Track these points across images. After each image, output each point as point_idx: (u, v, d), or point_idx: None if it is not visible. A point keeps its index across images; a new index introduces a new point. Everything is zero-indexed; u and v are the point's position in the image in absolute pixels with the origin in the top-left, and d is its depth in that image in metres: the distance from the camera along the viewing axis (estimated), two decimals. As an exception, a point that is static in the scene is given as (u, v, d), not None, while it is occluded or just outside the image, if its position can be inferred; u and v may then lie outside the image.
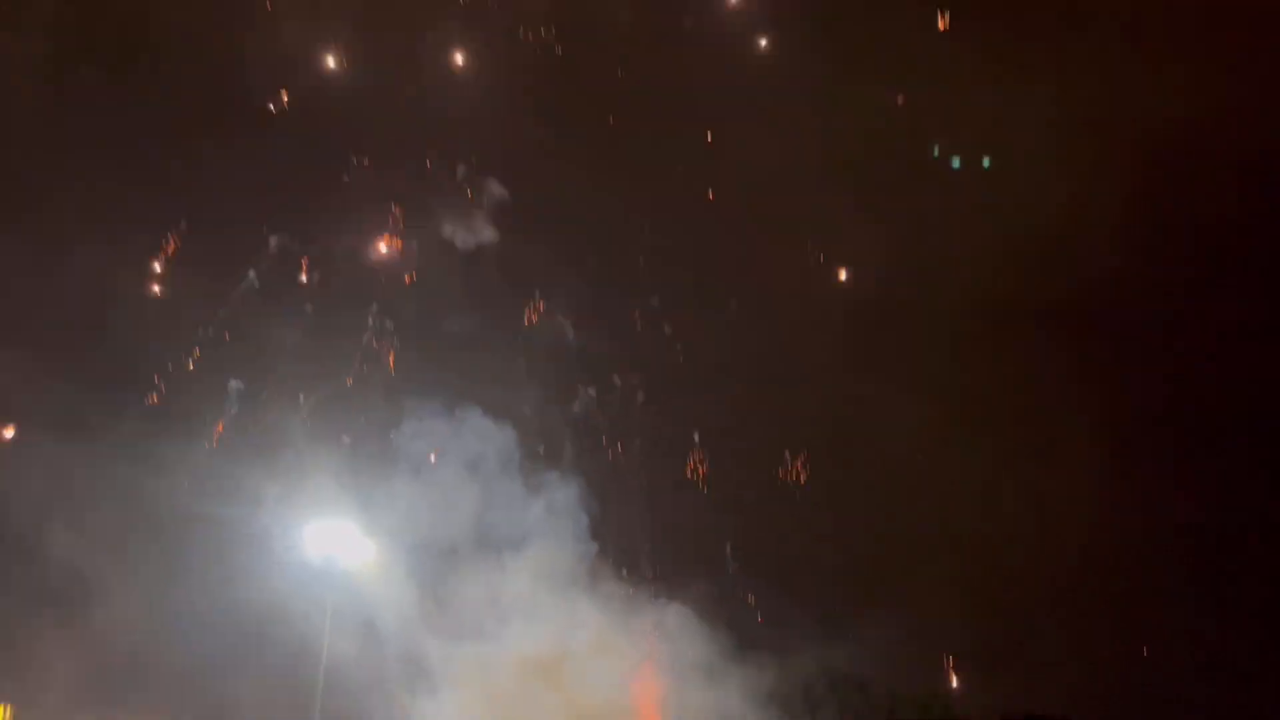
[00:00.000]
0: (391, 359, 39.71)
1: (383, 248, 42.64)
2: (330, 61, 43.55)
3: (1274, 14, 42.58)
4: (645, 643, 26.45)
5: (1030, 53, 43.76)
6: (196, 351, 43.84)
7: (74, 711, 51.64)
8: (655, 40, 45.64)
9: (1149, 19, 43.88)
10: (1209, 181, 43.75)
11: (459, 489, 29.88)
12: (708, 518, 37.76)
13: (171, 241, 44.73)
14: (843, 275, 45.02)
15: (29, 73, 41.78)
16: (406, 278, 42.36)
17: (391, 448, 33.30)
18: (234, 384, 42.15)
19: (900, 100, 44.99)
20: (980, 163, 44.14)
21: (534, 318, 40.89)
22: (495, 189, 41.02)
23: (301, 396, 39.89)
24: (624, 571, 32.68)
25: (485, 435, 30.79)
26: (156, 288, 45.31)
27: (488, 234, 40.30)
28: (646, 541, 35.39)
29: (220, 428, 42.04)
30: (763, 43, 45.86)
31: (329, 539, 32.04)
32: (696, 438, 40.61)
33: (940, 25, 43.96)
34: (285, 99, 43.80)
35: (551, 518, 29.84)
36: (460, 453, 30.30)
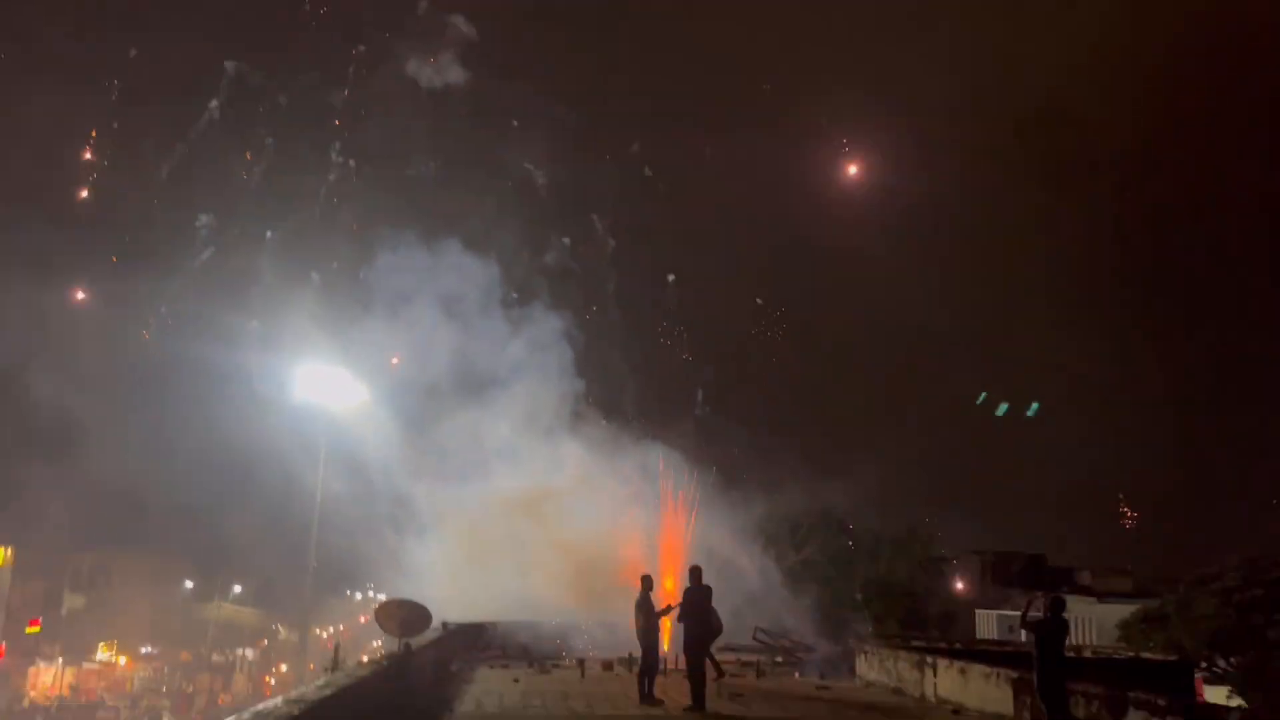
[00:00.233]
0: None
1: (345, 87, 40.43)
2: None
3: None
4: (629, 479, 26.43)
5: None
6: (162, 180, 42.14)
7: (73, 552, 53.14)
8: None
9: None
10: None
11: (438, 325, 29.06)
12: (688, 358, 37.51)
13: (127, 72, 42.37)
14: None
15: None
16: (370, 115, 40.44)
17: (365, 284, 32.40)
18: (203, 219, 40.80)
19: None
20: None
21: (506, 159, 39.26)
22: (463, 27, 38.43)
23: (269, 233, 38.67)
24: (607, 409, 32.64)
25: (464, 271, 29.71)
26: (114, 124, 43.29)
27: (455, 73, 38.00)
28: (629, 380, 35.26)
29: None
30: None
31: (318, 382, 31.72)
32: (672, 278, 39.81)
33: None
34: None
35: (535, 353, 29.23)
36: (438, 288, 29.28)
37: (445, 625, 16.61)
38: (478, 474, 27.46)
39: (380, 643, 29.65)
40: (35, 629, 48.21)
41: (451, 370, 28.71)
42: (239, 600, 62.47)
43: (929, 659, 14.86)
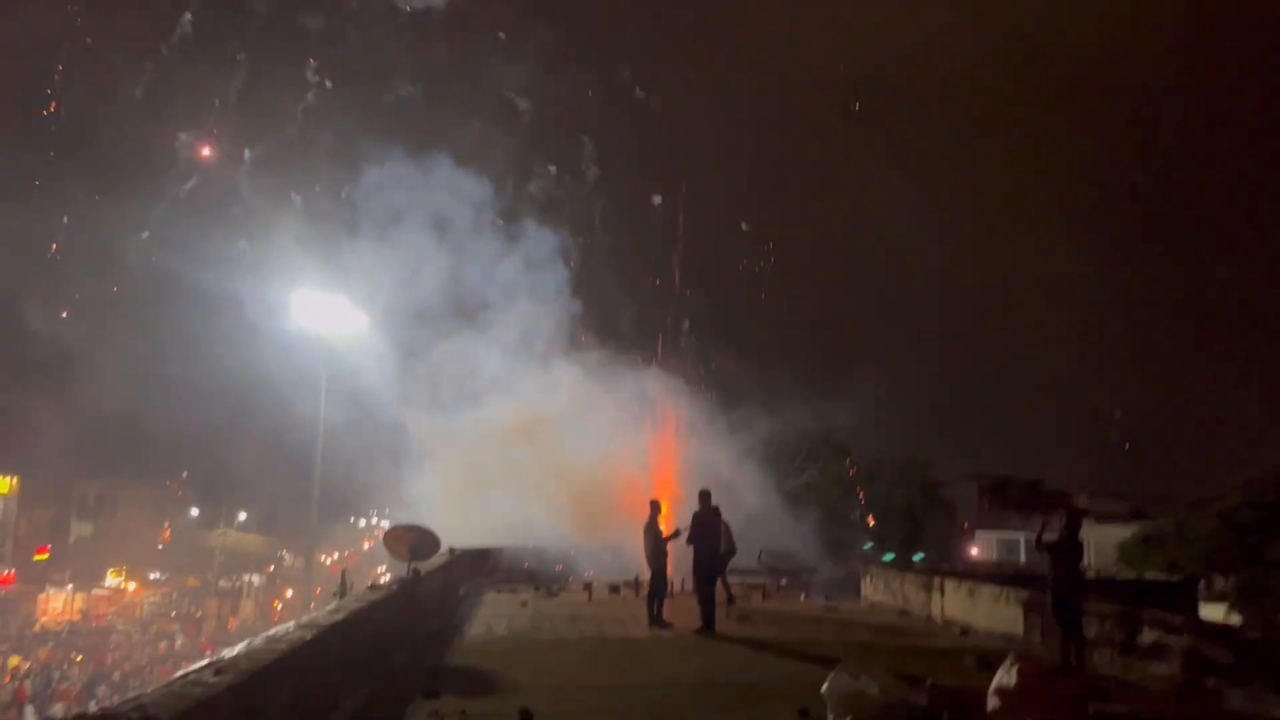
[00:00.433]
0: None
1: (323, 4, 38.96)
2: None
3: None
4: (626, 403, 26.22)
5: None
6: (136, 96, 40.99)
7: (77, 480, 53.46)
8: None
9: None
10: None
11: (429, 246, 28.36)
12: (684, 283, 36.99)
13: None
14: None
15: None
16: (349, 34, 39.14)
17: (350, 204, 31.65)
18: (181, 136, 39.80)
19: None
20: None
21: (492, 79, 38.08)
22: None
23: (247, 151, 37.76)
24: (603, 335, 32.29)
25: (455, 188, 28.85)
26: (88, 39, 41.95)
27: None
28: (625, 306, 34.85)
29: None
30: None
31: (313, 308, 31.30)
32: (658, 200, 39.05)
33: None
34: None
35: (530, 271, 28.64)
36: (428, 206, 28.44)
37: (452, 550, 16.64)
38: (474, 400, 27.21)
39: (384, 568, 29.88)
40: (44, 556, 48.77)
41: (444, 293, 28.20)
42: (244, 527, 63.15)
43: (936, 580, 14.91)
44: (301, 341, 32.29)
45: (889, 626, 13.96)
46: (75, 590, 46.70)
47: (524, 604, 15.67)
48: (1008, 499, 42.87)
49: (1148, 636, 10.02)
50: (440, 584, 14.38)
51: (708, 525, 12.92)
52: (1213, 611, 21.88)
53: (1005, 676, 6.77)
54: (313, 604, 30.37)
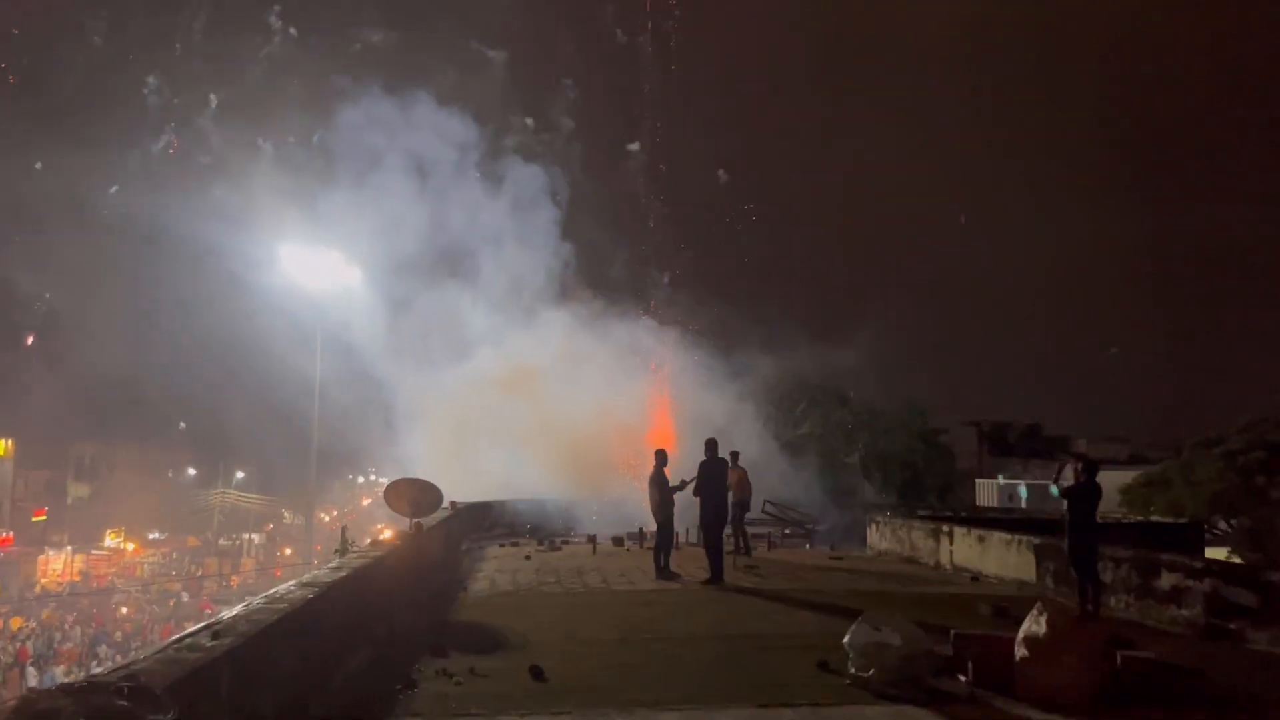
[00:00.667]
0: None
1: None
2: None
3: None
4: (619, 353, 25.83)
5: None
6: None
7: (73, 440, 53.28)
8: None
9: None
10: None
11: (410, 190, 27.58)
12: (671, 228, 36.48)
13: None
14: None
15: None
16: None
17: (324, 149, 30.84)
18: (150, 80, 38.75)
19: None
20: None
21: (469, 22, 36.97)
22: None
23: (212, 96, 36.82)
24: (594, 284, 31.83)
25: (435, 127, 27.96)
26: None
27: None
28: (614, 253, 34.33)
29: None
30: None
31: (298, 261, 30.77)
32: (637, 147, 38.31)
33: None
34: None
35: (516, 214, 27.95)
36: (408, 146, 27.59)
37: (454, 505, 16.40)
38: (464, 352, 26.75)
39: (383, 524, 29.80)
40: (41, 518, 48.73)
41: (429, 240, 27.54)
42: (242, 486, 63.16)
43: (945, 527, 14.74)
44: (289, 295, 31.80)
45: (898, 574, 13.80)
46: (74, 552, 46.69)
47: (527, 558, 15.48)
48: (1006, 444, 42.94)
49: (1167, 580, 9.84)
50: (442, 539, 14.16)
51: (715, 475, 12.66)
52: (1215, 555, 21.91)
53: (1034, 625, 6.53)
54: (315, 561, 30.30)
